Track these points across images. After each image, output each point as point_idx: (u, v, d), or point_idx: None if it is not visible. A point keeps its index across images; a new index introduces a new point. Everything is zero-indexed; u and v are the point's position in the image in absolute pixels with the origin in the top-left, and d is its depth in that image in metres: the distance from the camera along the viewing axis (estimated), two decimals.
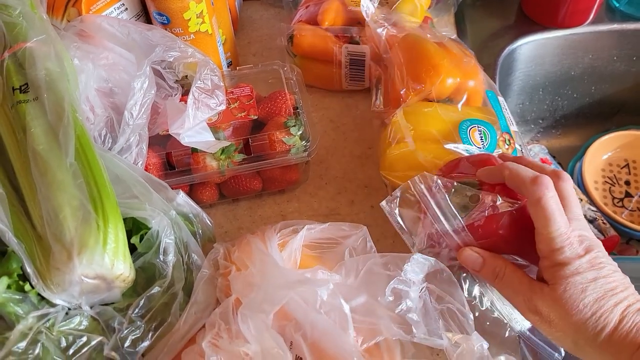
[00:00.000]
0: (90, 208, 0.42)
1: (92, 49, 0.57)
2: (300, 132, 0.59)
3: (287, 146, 0.59)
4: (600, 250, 0.42)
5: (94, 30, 0.58)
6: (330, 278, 0.42)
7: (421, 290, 0.44)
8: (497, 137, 0.56)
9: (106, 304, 0.46)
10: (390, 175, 0.57)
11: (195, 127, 0.56)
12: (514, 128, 0.60)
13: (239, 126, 0.61)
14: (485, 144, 0.56)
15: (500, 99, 0.61)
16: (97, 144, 0.51)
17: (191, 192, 0.62)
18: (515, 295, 0.43)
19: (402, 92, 0.60)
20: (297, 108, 0.62)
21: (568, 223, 0.41)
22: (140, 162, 0.54)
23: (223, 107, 0.57)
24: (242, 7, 0.88)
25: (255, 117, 0.61)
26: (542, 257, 0.42)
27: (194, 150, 0.58)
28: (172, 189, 0.54)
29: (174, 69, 0.60)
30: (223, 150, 0.58)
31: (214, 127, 0.59)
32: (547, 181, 0.42)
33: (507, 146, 0.57)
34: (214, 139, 0.57)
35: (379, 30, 0.67)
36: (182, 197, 0.52)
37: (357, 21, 0.74)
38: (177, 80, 0.61)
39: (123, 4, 0.66)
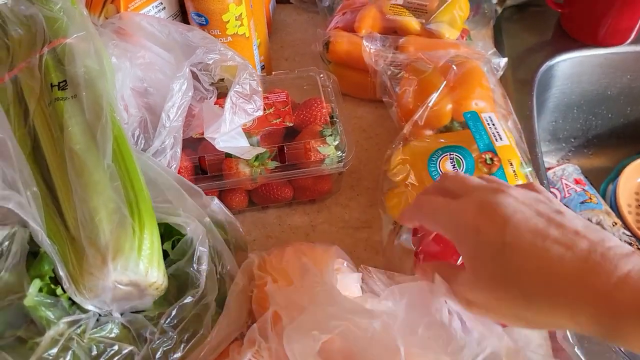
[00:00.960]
0: (127, 212, 0.41)
1: (130, 47, 0.56)
2: (337, 142, 0.58)
3: (322, 156, 0.57)
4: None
5: (133, 28, 0.57)
6: (384, 309, 0.40)
7: None
8: (474, 160, 0.54)
9: (137, 312, 0.44)
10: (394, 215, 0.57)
11: (231, 132, 0.55)
12: (502, 142, 0.56)
13: (272, 132, 0.60)
14: (459, 172, 0.54)
15: (486, 115, 0.58)
16: (131, 145, 0.50)
17: (220, 197, 0.60)
18: (437, 215, 0.41)
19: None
20: (333, 117, 0.60)
21: None
22: (174, 166, 0.53)
23: (260, 112, 0.56)
24: (276, 10, 0.87)
25: (291, 125, 0.59)
26: None
27: (228, 156, 0.56)
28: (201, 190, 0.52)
29: (210, 71, 0.58)
30: (257, 157, 0.56)
31: (247, 132, 0.58)
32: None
33: (488, 164, 0.54)
34: (249, 145, 0.56)
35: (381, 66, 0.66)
36: (216, 204, 0.50)
37: (394, 30, 0.73)
38: (212, 82, 0.60)
39: (161, 3, 0.65)
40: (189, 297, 0.44)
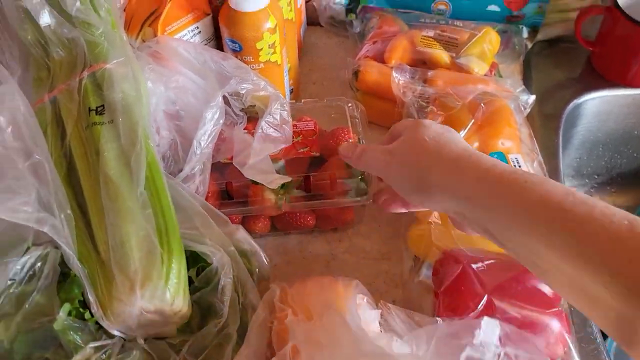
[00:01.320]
0: (156, 241, 0.42)
1: (166, 71, 0.58)
2: (361, 174, 0.58)
3: (347, 187, 0.58)
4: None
5: (169, 53, 0.58)
6: (408, 352, 0.41)
7: (499, 357, 0.42)
8: None
9: (159, 338, 0.45)
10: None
11: (259, 160, 0.55)
12: None
13: (298, 159, 0.61)
14: None
15: (513, 157, 0.60)
16: (163, 172, 0.51)
17: (244, 221, 0.61)
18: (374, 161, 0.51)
19: None
20: None
21: None
22: (203, 192, 0.54)
23: (289, 143, 0.57)
24: (306, 33, 0.88)
25: (317, 155, 0.60)
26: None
27: (254, 182, 0.57)
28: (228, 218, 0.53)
29: (241, 97, 0.59)
30: (283, 185, 0.57)
31: (273, 159, 0.59)
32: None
33: None
34: (276, 174, 0.57)
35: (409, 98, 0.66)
36: (242, 233, 0.51)
37: (423, 61, 0.74)
38: (242, 108, 0.61)
39: (197, 27, 0.67)
40: (212, 326, 0.44)
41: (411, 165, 0.47)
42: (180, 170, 0.54)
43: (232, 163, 0.57)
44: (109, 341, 0.42)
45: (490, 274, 0.49)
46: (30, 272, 0.44)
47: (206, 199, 0.55)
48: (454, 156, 0.45)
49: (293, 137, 0.60)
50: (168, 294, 0.41)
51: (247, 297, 0.49)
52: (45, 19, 0.53)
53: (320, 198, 0.59)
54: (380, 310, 0.49)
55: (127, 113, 0.48)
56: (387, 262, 0.61)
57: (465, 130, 0.60)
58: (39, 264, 0.43)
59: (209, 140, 0.55)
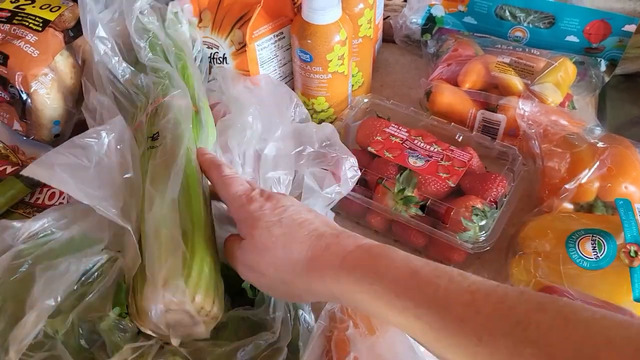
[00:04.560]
0: (181, 241, 0.45)
1: (270, 116, 0.64)
2: (483, 223, 0.58)
3: (465, 228, 0.58)
4: (283, 198, 0.47)
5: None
6: None
7: None
8: (617, 248, 0.53)
9: (198, 340, 0.47)
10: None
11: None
12: None
13: (432, 181, 0.62)
14: (598, 255, 0.53)
15: (639, 205, 0.57)
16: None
17: (366, 212, 0.64)
18: (230, 258, 0.48)
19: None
20: (502, 201, 0.61)
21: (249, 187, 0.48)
22: None
23: (351, 187, 0.61)
24: (380, 49, 0.88)
25: (453, 185, 0.62)
26: (235, 221, 0.47)
27: (379, 182, 0.61)
28: (354, 202, 0.62)
29: None
30: (405, 197, 0.60)
31: (414, 170, 0.62)
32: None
33: (631, 257, 0.52)
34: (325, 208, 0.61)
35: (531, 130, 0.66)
36: None
37: (495, 85, 0.72)
38: None
39: (282, 33, 0.71)
40: (263, 339, 0.46)
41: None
42: None
43: (380, 156, 0.64)
44: (145, 343, 0.45)
45: None
46: (97, 273, 0.48)
47: None
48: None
49: (442, 159, 0.63)
50: (187, 291, 0.43)
51: (298, 313, 0.50)
52: (124, 74, 0.63)
53: (432, 225, 0.60)
54: None
55: (174, 134, 0.53)
56: None
57: (590, 172, 0.59)
58: (105, 266, 0.48)
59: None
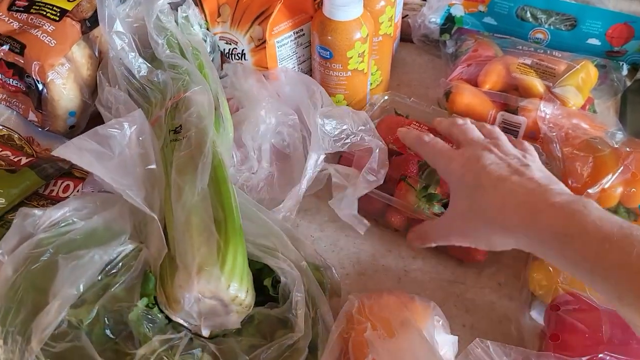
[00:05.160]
0: (214, 230, 0.46)
1: (283, 108, 0.65)
2: None
3: None
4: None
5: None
6: None
7: None
8: None
9: (225, 335, 0.48)
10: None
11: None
12: None
13: None
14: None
15: None
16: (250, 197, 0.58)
17: (385, 210, 0.64)
18: (437, 158, 0.56)
19: None
20: None
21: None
22: (289, 217, 0.61)
23: (381, 182, 0.61)
24: (398, 48, 0.88)
25: None
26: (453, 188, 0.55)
27: (402, 179, 0.61)
28: (374, 200, 0.61)
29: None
30: (428, 195, 0.60)
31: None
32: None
33: None
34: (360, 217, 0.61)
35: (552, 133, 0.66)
36: (313, 252, 0.54)
37: (515, 87, 0.73)
38: None
39: (302, 30, 0.72)
40: (287, 339, 0.46)
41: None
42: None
43: (401, 153, 0.64)
44: (175, 335, 0.45)
45: (614, 326, 0.48)
46: (121, 263, 0.48)
47: None
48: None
49: None
50: (223, 278, 0.44)
51: (317, 311, 0.50)
52: (140, 70, 0.64)
53: None
54: (457, 337, 0.48)
55: (198, 128, 0.54)
56: (461, 286, 0.61)
57: (614, 177, 0.59)
58: (130, 257, 0.48)
59: (309, 183, 0.61)
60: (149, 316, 0.45)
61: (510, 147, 0.56)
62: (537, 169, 0.51)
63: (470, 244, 0.54)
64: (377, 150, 0.61)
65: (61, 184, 0.64)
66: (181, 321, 0.46)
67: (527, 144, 0.58)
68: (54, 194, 0.63)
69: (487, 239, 0.51)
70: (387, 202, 0.62)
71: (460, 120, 0.60)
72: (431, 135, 0.59)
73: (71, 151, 0.47)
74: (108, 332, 0.45)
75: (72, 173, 0.65)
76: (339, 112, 0.63)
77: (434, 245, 0.57)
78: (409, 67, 0.89)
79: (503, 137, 0.58)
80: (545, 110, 0.67)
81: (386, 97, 0.72)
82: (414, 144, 0.60)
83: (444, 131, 0.61)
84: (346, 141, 0.62)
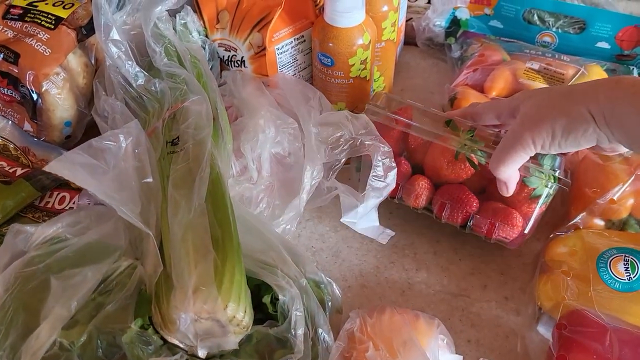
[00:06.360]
0: (211, 247, 0.45)
1: (284, 116, 0.64)
2: (549, 162, 0.57)
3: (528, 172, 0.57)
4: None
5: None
6: None
7: None
8: None
9: (222, 356, 0.46)
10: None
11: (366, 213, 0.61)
12: None
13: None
14: (631, 277, 0.52)
15: None
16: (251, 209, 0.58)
17: (403, 190, 0.62)
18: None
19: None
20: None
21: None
22: (289, 230, 0.60)
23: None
24: (401, 52, 0.87)
25: None
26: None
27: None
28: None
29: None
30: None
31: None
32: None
33: None
34: (381, 227, 0.63)
35: None
36: (313, 267, 0.53)
37: None
38: None
39: (302, 36, 0.70)
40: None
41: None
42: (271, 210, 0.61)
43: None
44: (170, 357, 0.44)
45: (624, 344, 0.47)
46: (115, 281, 0.47)
47: (387, 140, 0.60)
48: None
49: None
50: (220, 299, 0.43)
51: (317, 331, 0.49)
52: (137, 79, 0.63)
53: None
54: (461, 357, 0.47)
55: (196, 140, 0.53)
56: (465, 299, 0.60)
57: (624, 187, 0.58)
58: (124, 275, 0.47)
59: (309, 195, 0.60)
60: (144, 338, 0.44)
61: None
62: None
63: (547, 132, 0.50)
64: (379, 154, 0.59)
65: (57, 195, 0.63)
66: (177, 342, 0.45)
67: None
68: (49, 205, 0.62)
69: (565, 114, 0.48)
70: (432, 139, 0.60)
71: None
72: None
73: (64, 166, 0.46)
74: (101, 354, 0.44)
75: (68, 184, 0.64)
76: (336, 118, 0.62)
77: (511, 165, 0.53)
78: (413, 72, 0.88)
79: None
80: None
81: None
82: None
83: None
84: (344, 147, 0.61)
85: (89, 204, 0.61)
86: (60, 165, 0.46)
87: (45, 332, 0.41)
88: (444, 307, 0.59)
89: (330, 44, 0.64)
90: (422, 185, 0.61)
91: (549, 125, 0.49)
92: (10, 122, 0.68)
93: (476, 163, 0.58)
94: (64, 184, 0.64)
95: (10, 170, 0.64)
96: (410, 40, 0.90)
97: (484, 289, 0.60)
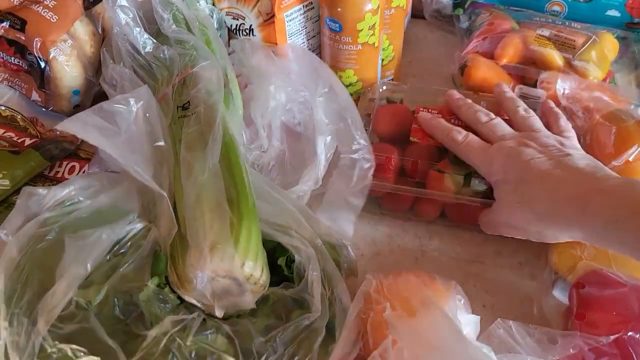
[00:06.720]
0: (226, 207, 0.44)
1: (294, 84, 0.63)
2: None
3: None
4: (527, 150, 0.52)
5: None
6: None
7: None
8: None
9: (239, 316, 0.46)
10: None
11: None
12: None
13: None
14: None
15: None
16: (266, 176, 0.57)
17: (414, 203, 0.62)
18: (475, 159, 0.55)
19: None
20: None
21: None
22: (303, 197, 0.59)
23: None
24: (409, 25, 0.86)
25: None
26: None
27: (437, 169, 0.59)
28: (402, 196, 0.59)
29: None
30: (466, 176, 0.57)
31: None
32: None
33: None
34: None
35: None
36: (328, 229, 0.53)
37: (533, 61, 0.71)
38: None
39: (311, 2, 0.69)
40: (305, 319, 0.45)
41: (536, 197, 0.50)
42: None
43: (417, 142, 0.61)
44: (187, 316, 0.44)
45: None
46: (130, 243, 0.47)
47: (384, 173, 0.59)
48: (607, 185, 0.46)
49: None
50: (237, 256, 0.43)
51: (334, 290, 0.49)
52: (146, 46, 0.62)
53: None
54: (479, 317, 0.47)
55: (207, 105, 0.52)
56: (479, 265, 0.60)
57: (638, 150, 0.58)
58: (139, 237, 0.47)
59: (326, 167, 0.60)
60: (161, 296, 0.44)
61: (545, 135, 0.55)
62: (579, 157, 0.51)
63: (522, 236, 0.54)
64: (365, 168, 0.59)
65: (66, 165, 0.63)
66: (194, 301, 0.45)
67: (564, 121, 0.58)
68: (59, 175, 0.62)
69: (539, 232, 0.52)
70: (419, 195, 0.59)
71: (484, 117, 0.59)
72: (462, 132, 0.57)
73: (76, 125, 0.46)
74: (118, 313, 0.44)
75: (77, 154, 0.64)
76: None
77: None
78: (421, 44, 0.87)
79: (537, 124, 0.57)
80: (565, 84, 0.65)
81: (384, 87, 0.70)
82: (444, 140, 0.59)
83: (467, 120, 0.60)
84: None
85: (99, 172, 0.60)
86: (73, 124, 0.46)
87: (61, 290, 0.41)
88: (458, 274, 0.59)
89: (339, 9, 0.63)
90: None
91: (523, 232, 0.53)
92: (17, 92, 0.68)
93: None
94: (73, 154, 0.64)
95: (19, 141, 0.64)
96: (417, 13, 0.89)
97: (497, 255, 0.60)
